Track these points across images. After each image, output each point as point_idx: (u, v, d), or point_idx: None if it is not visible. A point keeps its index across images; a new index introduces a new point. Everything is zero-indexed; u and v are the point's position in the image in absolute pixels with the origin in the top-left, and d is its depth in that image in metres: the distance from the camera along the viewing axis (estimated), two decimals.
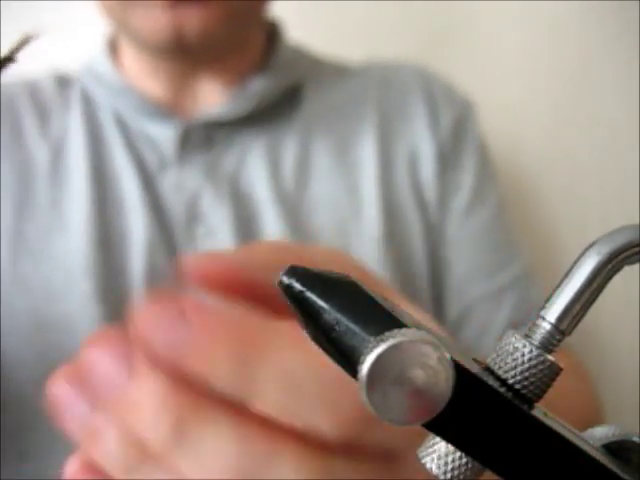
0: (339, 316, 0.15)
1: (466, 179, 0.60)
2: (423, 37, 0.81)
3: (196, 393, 0.22)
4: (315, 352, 0.20)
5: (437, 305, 0.57)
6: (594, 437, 0.18)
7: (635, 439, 0.18)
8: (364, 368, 0.14)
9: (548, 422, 0.16)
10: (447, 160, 0.59)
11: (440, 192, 0.58)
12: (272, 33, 0.63)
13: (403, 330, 0.14)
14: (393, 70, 0.64)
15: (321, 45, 0.66)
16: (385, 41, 0.80)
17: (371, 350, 0.14)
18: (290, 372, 0.22)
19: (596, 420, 0.54)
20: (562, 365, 0.16)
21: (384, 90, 0.62)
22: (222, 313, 0.23)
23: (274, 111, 0.58)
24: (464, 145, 0.61)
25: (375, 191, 0.56)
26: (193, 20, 0.51)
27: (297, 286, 0.16)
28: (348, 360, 0.15)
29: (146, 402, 0.22)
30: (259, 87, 0.58)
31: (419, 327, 0.15)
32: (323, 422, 0.22)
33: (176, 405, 0.22)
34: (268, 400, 0.22)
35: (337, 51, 0.67)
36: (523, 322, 0.57)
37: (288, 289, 0.16)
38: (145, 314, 0.22)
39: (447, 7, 0.80)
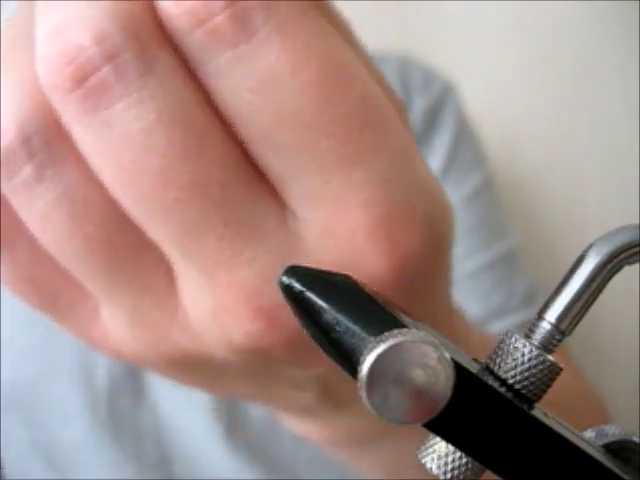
0: (339, 316, 0.15)
1: (432, 162, 0.57)
2: (422, 37, 0.81)
3: None
4: None
5: None
6: (594, 437, 0.18)
7: (635, 439, 0.18)
8: (364, 368, 0.14)
9: (548, 422, 0.16)
10: (416, 144, 0.58)
11: None
12: None
13: (403, 330, 0.14)
14: (376, 62, 0.63)
15: None
16: (383, 41, 0.80)
17: (371, 350, 0.14)
18: None
19: (604, 416, 0.53)
20: (562, 365, 0.17)
21: None
22: None
23: None
24: (436, 129, 0.59)
25: None
26: None
27: (297, 286, 0.16)
28: (348, 360, 0.15)
29: None
30: None
31: (419, 327, 0.15)
32: None
33: None
34: None
35: None
36: (502, 308, 0.56)
37: (288, 289, 0.16)
38: None
39: (445, 7, 0.80)
